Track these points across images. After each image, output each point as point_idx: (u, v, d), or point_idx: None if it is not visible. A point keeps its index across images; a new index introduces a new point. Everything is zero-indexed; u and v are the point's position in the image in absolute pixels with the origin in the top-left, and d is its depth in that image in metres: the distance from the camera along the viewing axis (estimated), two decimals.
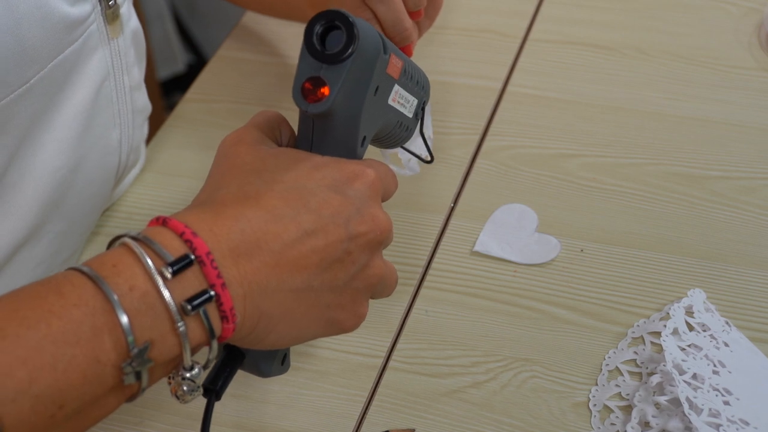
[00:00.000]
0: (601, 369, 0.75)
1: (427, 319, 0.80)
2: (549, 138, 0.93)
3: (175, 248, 0.54)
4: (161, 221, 0.56)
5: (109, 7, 0.77)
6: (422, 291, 0.82)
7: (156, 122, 1.00)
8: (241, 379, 0.75)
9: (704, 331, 0.76)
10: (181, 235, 0.55)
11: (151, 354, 0.53)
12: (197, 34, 1.62)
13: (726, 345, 0.75)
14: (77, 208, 0.81)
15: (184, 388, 0.56)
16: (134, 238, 0.54)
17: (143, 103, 0.88)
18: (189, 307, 0.53)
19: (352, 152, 0.63)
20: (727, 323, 0.77)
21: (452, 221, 0.87)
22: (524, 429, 0.73)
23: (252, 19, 1.08)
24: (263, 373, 0.65)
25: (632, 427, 0.71)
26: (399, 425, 0.74)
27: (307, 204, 0.59)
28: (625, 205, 0.87)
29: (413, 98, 0.70)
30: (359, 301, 0.62)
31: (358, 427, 0.74)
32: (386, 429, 0.73)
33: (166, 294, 0.53)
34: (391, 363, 0.77)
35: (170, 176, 0.93)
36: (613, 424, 0.72)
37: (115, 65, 0.80)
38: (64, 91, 0.76)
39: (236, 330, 0.57)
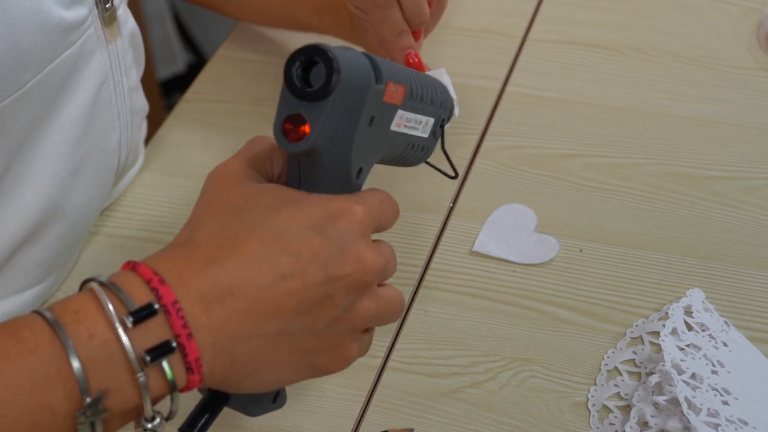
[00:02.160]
0: (600, 369, 0.75)
1: (426, 319, 0.80)
2: (549, 138, 0.93)
3: (140, 296, 0.53)
4: (131, 266, 0.55)
5: (106, 9, 0.77)
6: (421, 291, 0.82)
7: (155, 122, 1.00)
8: None
9: (703, 330, 0.76)
10: (148, 282, 0.53)
11: (107, 404, 0.52)
12: (197, 34, 1.62)
13: (725, 345, 0.75)
14: (76, 210, 0.81)
15: None
16: (102, 284, 0.53)
17: (141, 103, 0.88)
18: (148, 358, 0.52)
19: (346, 185, 0.60)
20: (726, 323, 0.77)
21: (451, 221, 0.87)
22: (523, 429, 0.72)
23: None
24: (250, 413, 0.63)
25: (631, 427, 0.71)
26: (398, 425, 0.73)
27: (286, 246, 0.56)
28: (624, 205, 0.87)
29: (427, 118, 0.67)
30: (344, 344, 0.59)
31: (357, 427, 0.74)
32: (385, 429, 0.73)
33: (127, 343, 0.52)
34: (390, 363, 0.77)
35: (170, 176, 0.93)
36: (611, 424, 0.72)
37: (113, 68, 0.80)
38: (62, 95, 0.75)
39: (205, 379, 0.55)
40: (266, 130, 0.96)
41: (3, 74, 0.68)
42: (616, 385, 0.74)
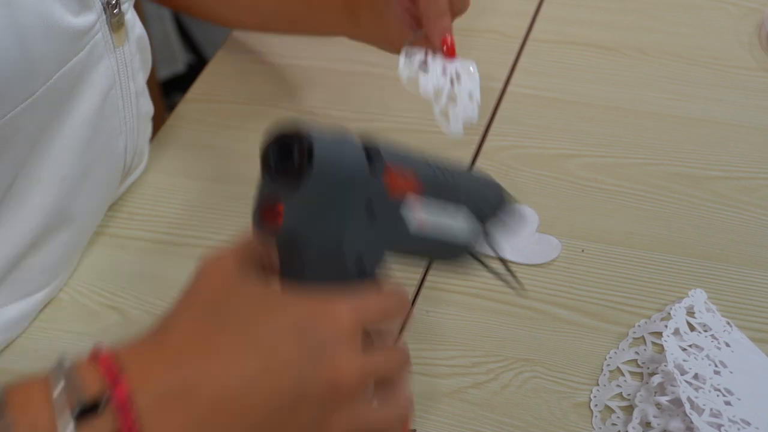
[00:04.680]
0: (602, 369, 0.75)
1: (428, 319, 0.80)
2: (549, 138, 0.93)
3: (95, 388, 0.50)
4: (95, 353, 0.52)
5: (114, 15, 0.76)
6: (423, 291, 0.82)
7: (156, 122, 1.00)
8: None
9: (705, 331, 0.76)
10: (105, 374, 0.51)
11: None
12: (197, 34, 1.62)
13: (727, 345, 0.75)
14: (83, 213, 0.81)
15: None
16: (61, 370, 0.51)
17: (147, 107, 0.88)
18: None
19: (340, 274, 0.55)
20: (728, 323, 0.77)
21: None
22: (525, 429, 0.72)
23: None
24: None
25: (633, 428, 0.71)
26: None
27: (258, 349, 0.52)
28: (625, 205, 0.87)
29: (456, 206, 0.60)
30: None
31: None
32: None
33: None
34: None
35: (170, 176, 0.93)
36: (614, 424, 0.72)
37: (120, 73, 0.80)
38: (70, 100, 0.75)
39: None
40: (266, 129, 0.96)
41: (14, 83, 0.67)
42: (618, 386, 0.74)
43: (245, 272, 0.56)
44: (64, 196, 0.78)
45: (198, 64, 1.72)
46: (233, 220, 0.88)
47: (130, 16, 0.80)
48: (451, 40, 0.79)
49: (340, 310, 0.54)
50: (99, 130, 0.79)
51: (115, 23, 0.77)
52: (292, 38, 1.04)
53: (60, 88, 0.73)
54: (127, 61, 0.80)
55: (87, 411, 0.50)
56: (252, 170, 0.93)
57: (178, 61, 1.77)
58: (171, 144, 0.96)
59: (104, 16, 0.76)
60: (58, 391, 0.50)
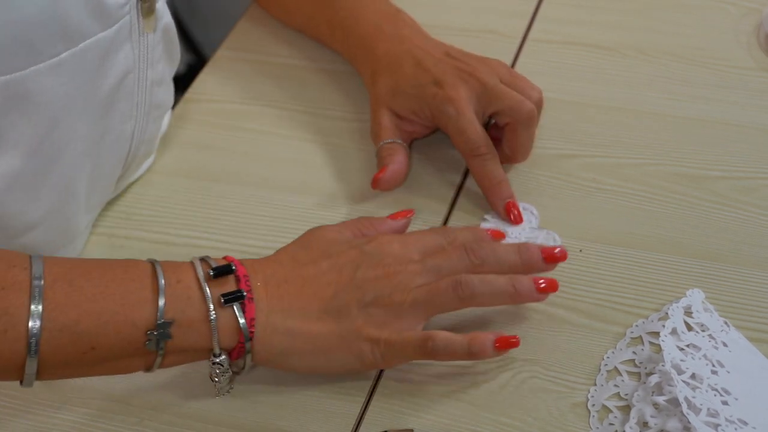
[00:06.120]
0: (600, 369, 0.75)
1: None
2: (549, 138, 0.93)
3: (223, 264, 0.71)
4: (224, 257, 0.73)
5: (144, 1, 0.78)
6: None
7: None
8: (240, 378, 0.75)
9: (703, 331, 0.76)
10: (229, 261, 0.72)
11: (173, 330, 0.68)
12: (197, 34, 1.62)
13: (725, 345, 0.75)
14: (86, 196, 0.82)
15: (216, 371, 0.71)
16: (197, 258, 0.72)
17: (163, 98, 0.89)
18: (223, 300, 0.69)
19: None
20: (725, 323, 0.77)
21: (451, 221, 0.87)
22: (523, 429, 0.72)
23: (252, 19, 1.08)
24: None
25: (631, 427, 0.71)
26: (397, 425, 0.73)
27: (329, 258, 0.74)
28: (624, 206, 0.87)
29: None
30: (391, 321, 0.73)
31: (357, 427, 0.74)
32: (385, 429, 0.73)
33: (206, 288, 0.69)
34: None
35: (170, 176, 0.93)
36: (611, 424, 0.72)
37: (141, 59, 0.81)
38: (94, 78, 0.77)
39: (256, 345, 0.71)
40: (266, 129, 0.97)
41: (41, 34, 0.70)
42: (615, 386, 0.74)
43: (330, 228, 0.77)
44: (76, 175, 0.79)
45: (198, 64, 1.72)
46: (233, 220, 0.89)
47: (161, 6, 0.82)
48: (516, 209, 0.85)
49: (392, 238, 0.76)
50: (112, 112, 0.80)
51: (146, 9, 0.79)
52: (293, 39, 1.04)
53: (86, 60, 0.75)
54: (149, 48, 0.81)
55: (217, 272, 0.70)
56: (251, 170, 0.93)
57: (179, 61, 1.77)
58: (170, 144, 0.96)
59: (134, 0, 0.77)
60: (198, 263, 0.71)
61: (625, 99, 0.97)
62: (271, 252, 0.76)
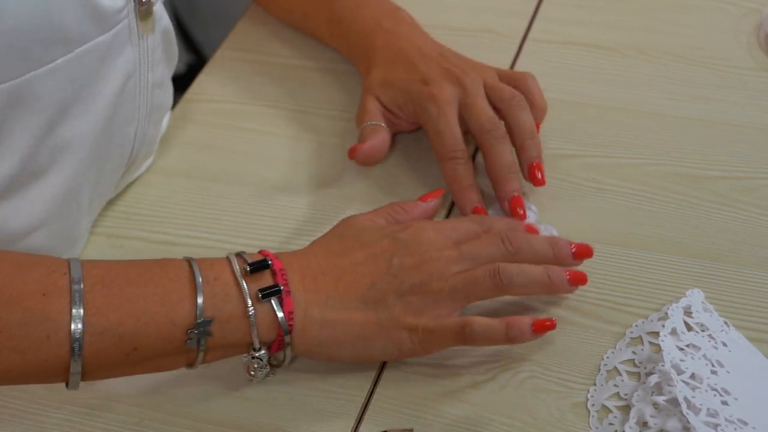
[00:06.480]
0: (600, 369, 0.75)
1: None
2: (549, 138, 0.93)
3: (259, 259, 0.72)
4: (259, 252, 0.73)
5: (142, 4, 0.78)
6: None
7: None
8: (240, 378, 0.75)
9: (703, 331, 0.76)
10: (265, 255, 0.72)
11: (213, 328, 0.69)
12: (197, 34, 1.62)
13: (724, 345, 0.75)
14: (87, 198, 0.82)
15: (255, 365, 0.72)
16: (233, 253, 0.72)
17: (164, 100, 0.89)
18: (260, 295, 0.70)
19: None
20: (725, 323, 0.77)
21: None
22: (523, 429, 0.72)
23: (252, 19, 1.08)
24: None
25: (630, 427, 0.71)
26: (397, 425, 0.73)
27: (363, 245, 0.75)
28: (624, 206, 0.87)
29: None
30: (420, 309, 0.73)
31: (357, 427, 0.74)
32: (385, 429, 0.73)
33: (243, 283, 0.70)
34: (389, 363, 0.77)
35: (170, 176, 0.93)
36: (611, 424, 0.72)
37: (141, 62, 0.81)
38: (93, 83, 0.77)
39: (294, 331, 0.71)
40: (266, 129, 0.97)
41: (33, 41, 0.70)
42: (615, 386, 0.74)
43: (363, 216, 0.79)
44: (78, 178, 0.79)
45: (198, 64, 1.72)
46: (232, 220, 0.89)
47: (159, 8, 0.82)
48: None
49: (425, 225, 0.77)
50: (114, 116, 0.80)
51: (144, 12, 0.79)
52: (293, 39, 1.04)
53: (83, 65, 0.74)
54: (149, 51, 0.81)
55: (254, 268, 0.71)
56: (251, 170, 0.93)
57: (178, 61, 1.77)
58: (170, 144, 0.96)
59: (132, 4, 0.77)
60: (234, 259, 0.71)
61: (625, 99, 0.97)
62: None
